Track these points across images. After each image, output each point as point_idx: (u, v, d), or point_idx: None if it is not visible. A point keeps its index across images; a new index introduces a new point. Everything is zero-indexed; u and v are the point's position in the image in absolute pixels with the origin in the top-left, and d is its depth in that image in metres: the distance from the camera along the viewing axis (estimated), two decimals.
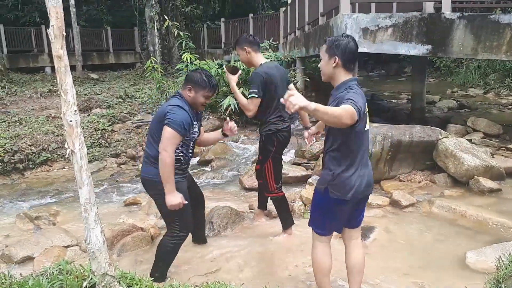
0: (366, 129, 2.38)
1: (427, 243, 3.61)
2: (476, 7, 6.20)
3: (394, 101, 11.87)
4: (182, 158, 2.86)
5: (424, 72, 8.76)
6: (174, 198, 2.66)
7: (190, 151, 2.93)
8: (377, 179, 5.11)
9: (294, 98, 1.91)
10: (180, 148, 2.79)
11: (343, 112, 2.06)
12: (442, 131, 5.33)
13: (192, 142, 2.91)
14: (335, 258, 2.62)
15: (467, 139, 5.69)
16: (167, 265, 2.99)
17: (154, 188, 2.81)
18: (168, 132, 2.61)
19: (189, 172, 3.25)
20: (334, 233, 2.62)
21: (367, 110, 2.36)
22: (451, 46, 5.72)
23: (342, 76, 2.35)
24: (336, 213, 2.44)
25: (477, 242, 3.53)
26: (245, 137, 8.17)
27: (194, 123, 2.81)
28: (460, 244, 3.52)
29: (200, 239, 3.60)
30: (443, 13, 5.71)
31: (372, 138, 4.91)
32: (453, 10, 5.89)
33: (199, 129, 2.96)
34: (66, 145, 2.21)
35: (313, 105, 1.95)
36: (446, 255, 3.36)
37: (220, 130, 3.16)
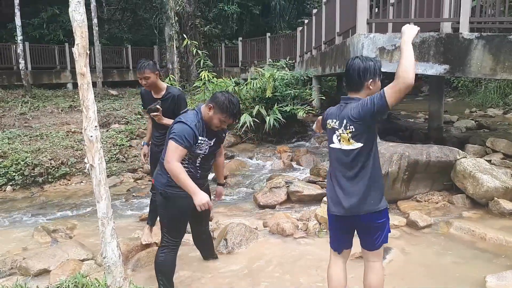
0: (332, 146, 2.43)
1: (445, 265, 3.53)
2: (495, 27, 6.17)
3: (411, 120, 11.77)
4: (187, 171, 2.80)
5: (441, 91, 8.68)
6: (199, 198, 2.62)
7: (198, 165, 2.86)
8: (394, 199, 5.04)
9: None
10: (186, 162, 2.79)
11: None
12: (460, 151, 5.25)
13: (200, 159, 2.85)
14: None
15: (486, 160, 5.58)
16: (167, 279, 2.94)
17: (157, 196, 2.96)
18: (171, 145, 2.67)
19: (207, 189, 3.21)
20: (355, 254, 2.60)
21: (335, 127, 2.38)
22: (469, 66, 5.68)
23: None
24: (329, 225, 2.61)
25: (498, 265, 3.43)
26: (261, 154, 8.19)
27: (201, 138, 2.76)
28: (479, 267, 3.43)
29: (209, 256, 3.60)
30: (461, 33, 5.69)
31: (388, 158, 4.87)
32: (471, 30, 5.86)
33: (213, 147, 2.90)
34: (85, 160, 2.27)
35: None
36: (464, 278, 3.28)
37: (218, 182, 3.43)
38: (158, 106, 3.52)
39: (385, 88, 2.16)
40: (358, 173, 2.35)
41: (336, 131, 2.38)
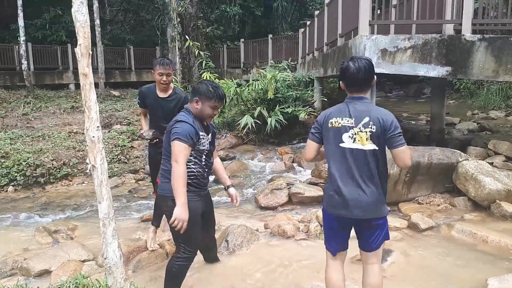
0: (342, 146, 2.36)
1: (447, 268, 3.52)
2: (497, 29, 6.15)
3: (413, 122, 11.75)
4: (195, 171, 2.81)
5: (443, 93, 8.66)
6: (181, 212, 2.57)
7: (204, 164, 2.86)
8: (395, 201, 5.03)
9: None
10: (193, 162, 2.78)
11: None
12: (462, 153, 5.24)
13: (204, 156, 2.85)
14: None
15: (488, 162, 5.57)
16: (174, 286, 2.91)
17: (165, 204, 2.82)
18: (176, 145, 2.63)
19: (209, 196, 3.19)
20: (351, 256, 2.59)
21: (347, 126, 2.34)
22: (471, 68, 5.67)
23: (347, 95, 2.46)
24: (327, 227, 2.56)
25: (499, 268, 3.42)
26: (262, 155, 8.19)
27: (202, 133, 2.77)
28: (481, 270, 3.42)
29: (211, 260, 3.58)
30: (463, 35, 5.68)
31: (390, 159, 4.84)
32: (474, 32, 5.85)
33: (211, 144, 2.92)
34: (87, 160, 2.27)
35: None
36: (466, 281, 3.27)
37: (228, 185, 3.21)
38: (151, 136, 3.72)
39: (406, 148, 2.36)
40: (370, 174, 2.34)
41: (350, 130, 2.34)
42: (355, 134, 2.32)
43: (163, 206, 2.87)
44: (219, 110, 2.88)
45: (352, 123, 2.33)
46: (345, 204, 2.35)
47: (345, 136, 2.34)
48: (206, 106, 2.75)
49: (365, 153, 2.33)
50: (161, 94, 3.76)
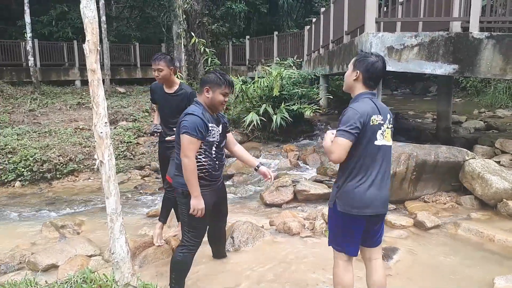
0: (376, 144, 2.31)
1: (453, 266, 3.50)
2: (505, 27, 6.11)
3: (419, 120, 11.69)
4: (205, 164, 2.82)
5: (450, 91, 8.62)
6: (197, 203, 2.72)
7: (214, 156, 2.86)
8: (401, 199, 5.02)
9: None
10: (203, 155, 2.79)
11: (330, 147, 2.30)
12: (469, 152, 5.22)
13: (214, 148, 2.86)
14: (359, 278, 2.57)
15: (495, 161, 5.54)
16: (180, 277, 2.93)
17: (177, 196, 2.93)
18: (185, 139, 2.69)
19: (224, 187, 3.22)
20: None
21: (380, 123, 2.32)
22: (479, 66, 5.64)
23: (359, 90, 2.41)
24: (348, 230, 2.43)
25: (506, 267, 3.40)
26: (267, 153, 8.19)
27: (211, 125, 2.79)
28: (487, 269, 3.40)
29: (220, 255, 3.60)
30: (471, 32, 5.65)
31: (396, 157, 4.84)
32: (481, 29, 5.81)
33: (222, 135, 2.93)
34: (95, 156, 2.28)
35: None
36: (472, 280, 3.25)
37: (257, 164, 3.19)
38: (152, 130, 3.77)
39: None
40: (389, 170, 2.43)
41: (382, 127, 2.32)
42: (384, 131, 2.35)
43: (177, 197, 2.95)
44: (228, 98, 2.93)
45: (381, 120, 2.33)
46: (375, 202, 2.35)
47: (378, 134, 2.33)
48: (217, 93, 2.80)
49: (389, 149, 2.40)
50: (167, 90, 3.76)
